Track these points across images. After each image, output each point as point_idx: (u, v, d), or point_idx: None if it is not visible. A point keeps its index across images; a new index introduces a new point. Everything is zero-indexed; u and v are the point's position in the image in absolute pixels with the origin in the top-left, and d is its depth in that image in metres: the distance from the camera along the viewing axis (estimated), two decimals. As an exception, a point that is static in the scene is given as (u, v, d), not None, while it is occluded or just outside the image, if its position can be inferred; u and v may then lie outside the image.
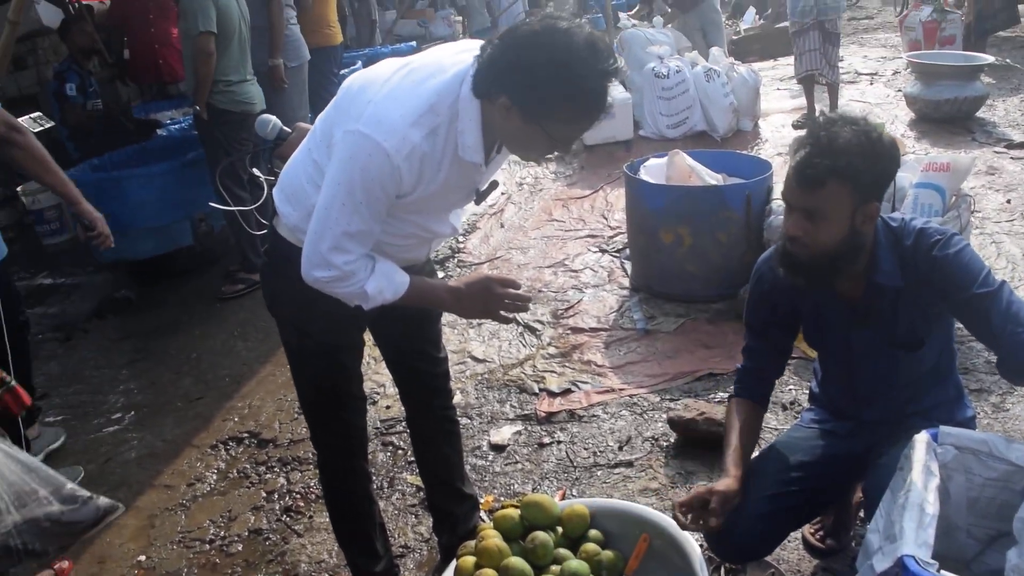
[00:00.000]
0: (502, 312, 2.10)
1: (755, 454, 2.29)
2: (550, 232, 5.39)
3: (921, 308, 2.02)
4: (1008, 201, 5.01)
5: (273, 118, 2.41)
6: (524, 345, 4.00)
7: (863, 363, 2.15)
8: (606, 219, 5.44)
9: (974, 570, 1.83)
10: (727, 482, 2.04)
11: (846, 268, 2.00)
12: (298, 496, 3.14)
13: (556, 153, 1.90)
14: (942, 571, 1.39)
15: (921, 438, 1.73)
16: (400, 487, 3.12)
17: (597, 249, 5.00)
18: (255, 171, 2.49)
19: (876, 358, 2.12)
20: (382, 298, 1.95)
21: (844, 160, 1.85)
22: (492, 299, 2.06)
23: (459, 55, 1.89)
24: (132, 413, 3.95)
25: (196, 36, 4.55)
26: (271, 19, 5.23)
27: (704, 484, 2.06)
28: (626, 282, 4.49)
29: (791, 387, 3.34)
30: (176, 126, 6.20)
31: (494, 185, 2.11)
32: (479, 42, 1.89)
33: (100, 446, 3.69)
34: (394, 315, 2.18)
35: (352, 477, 2.37)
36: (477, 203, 2.10)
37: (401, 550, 2.79)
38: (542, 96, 1.73)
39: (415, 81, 1.84)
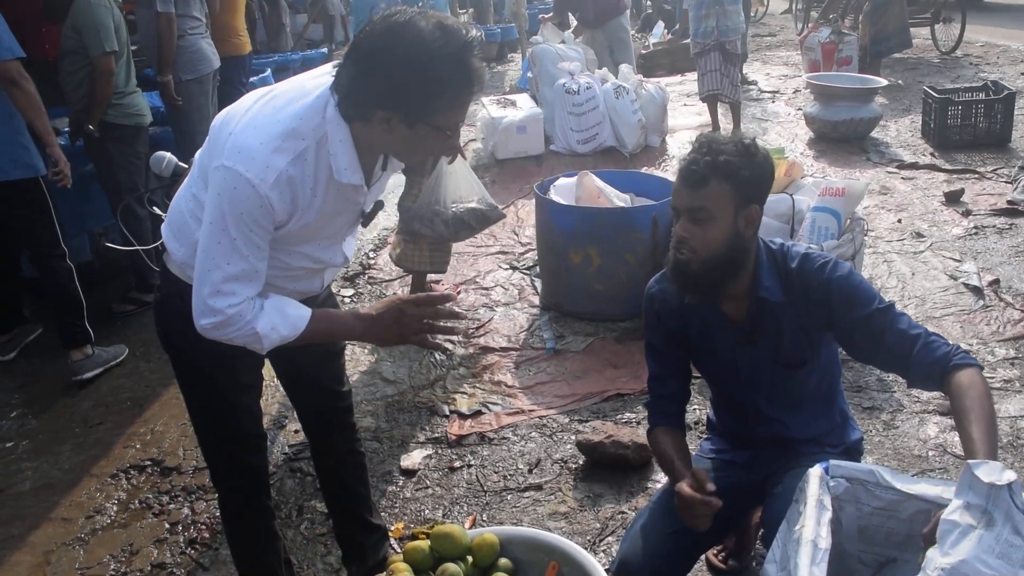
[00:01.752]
0: (426, 336, 1.95)
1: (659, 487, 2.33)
2: (461, 248, 5.39)
3: (804, 327, 2.10)
4: (899, 221, 5.26)
5: (168, 155, 2.35)
6: (435, 365, 4.00)
7: (749, 383, 2.21)
8: (517, 235, 5.49)
9: (865, 594, 1.92)
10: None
11: (732, 278, 2.05)
12: (203, 527, 3.06)
13: (451, 144, 1.84)
14: (832, 607, 1.45)
15: (815, 472, 1.80)
16: (309, 515, 3.07)
17: (508, 266, 5.04)
18: (155, 209, 2.43)
19: (761, 377, 2.19)
20: (278, 336, 1.85)
21: (723, 158, 1.94)
22: (406, 322, 1.93)
23: (321, 77, 1.82)
24: (26, 441, 3.78)
25: (99, 56, 4.31)
26: (159, 34, 5.03)
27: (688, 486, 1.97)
28: (536, 300, 4.54)
29: (695, 407, 3.43)
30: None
31: (380, 206, 2.04)
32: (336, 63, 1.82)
33: (-10, 477, 3.54)
34: (293, 351, 2.14)
35: (254, 516, 2.32)
36: (364, 225, 2.04)
37: (310, 581, 2.76)
38: (416, 96, 1.67)
39: (275, 107, 1.77)
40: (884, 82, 7.32)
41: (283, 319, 1.85)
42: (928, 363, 1.90)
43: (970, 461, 1.59)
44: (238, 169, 1.70)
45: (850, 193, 3.90)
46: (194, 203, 1.88)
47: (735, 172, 1.95)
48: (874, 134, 7.01)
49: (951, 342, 1.92)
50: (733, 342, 2.18)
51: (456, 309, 2.04)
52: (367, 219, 2.03)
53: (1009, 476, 1.54)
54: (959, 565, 1.52)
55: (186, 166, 2.32)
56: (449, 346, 1.96)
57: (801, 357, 2.15)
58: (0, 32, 3.73)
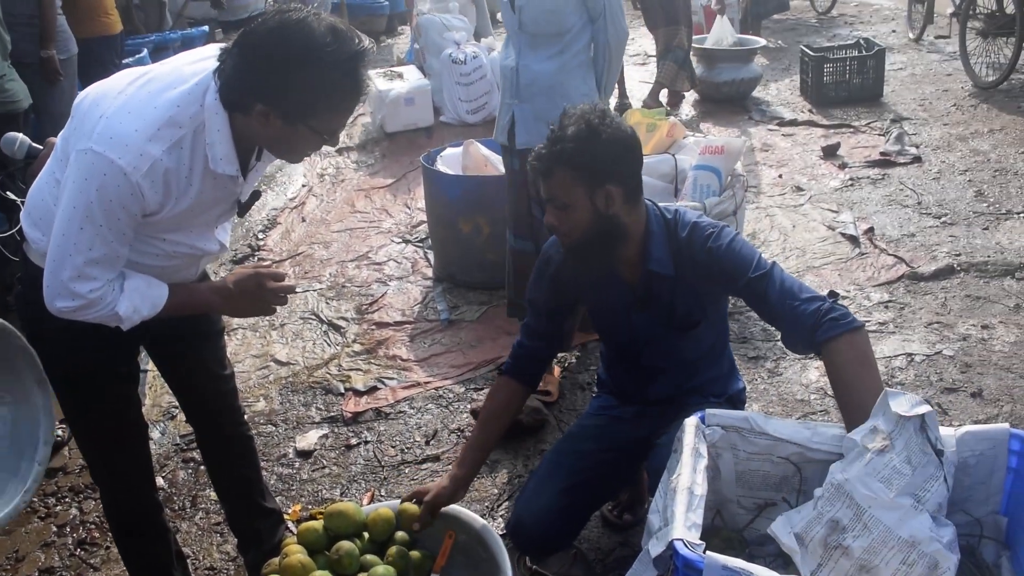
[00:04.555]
0: (275, 306, 2.04)
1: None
2: (353, 224, 5.33)
3: (696, 293, 2.14)
4: (780, 176, 5.43)
5: (20, 136, 2.24)
6: (329, 344, 3.95)
7: (645, 344, 2.26)
8: (409, 208, 5.44)
9: (747, 537, 1.98)
10: (440, 486, 2.13)
11: (614, 250, 2.08)
12: (92, 527, 2.96)
13: (324, 146, 1.87)
14: (708, 552, 1.50)
15: (691, 422, 1.85)
16: (203, 505, 3.00)
17: (400, 240, 4.99)
18: (8, 193, 2.30)
19: (656, 339, 2.24)
20: (139, 316, 1.83)
21: (560, 147, 1.95)
22: (266, 294, 1.98)
23: (200, 63, 1.79)
24: None
25: None
26: (41, 6, 4.80)
27: (422, 486, 2.17)
28: (430, 272, 4.52)
29: (592, 367, 3.48)
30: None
31: (256, 195, 2.03)
32: (218, 47, 1.79)
33: None
34: (172, 335, 2.08)
35: (141, 510, 2.23)
36: (240, 215, 2.03)
37: (207, 572, 2.70)
38: (298, 96, 1.68)
39: (152, 92, 1.73)
40: (763, 42, 7.51)
41: (143, 299, 1.84)
42: (798, 335, 1.91)
43: (888, 390, 1.65)
44: (110, 156, 1.65)
45: (729, 150, 3.99)
46: (58, 189, 1.79)
47: (573, 158, 1.95)
48: (756, 93, 7.19)
49: (823, 298, 1.90)
50: (628, 305, 2.21)
51: (293, 287, 2.17)
52: (243, 209, 2.00)
53: (921, 409, 1.61)
54: (843, 483, 1.60)
55: (40, 147, 2.21)
56: (326, 316, 2.07)
57: (694, 320, 2.19)
58: None
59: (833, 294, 1.94)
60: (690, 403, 2.17)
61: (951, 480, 1.61)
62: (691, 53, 6.77)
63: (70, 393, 2.09)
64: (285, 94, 1.67)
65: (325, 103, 1.72)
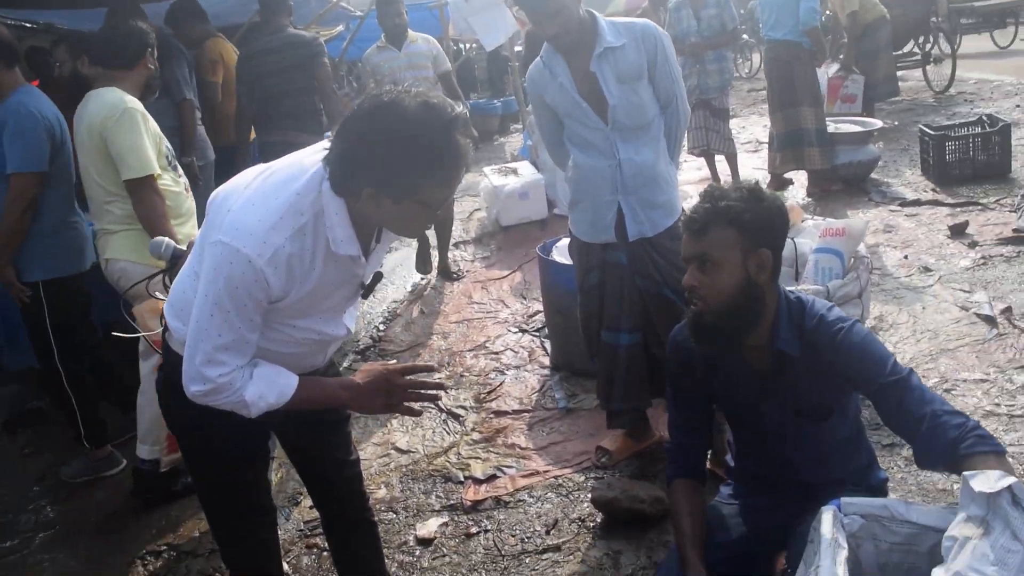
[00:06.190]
0: (407, 404, 2.03)
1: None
2: (470, 315, 5.42)
3: (826, 380, 2.06)
4: (905, 257, 5.24)
5: (165, 239, 2.40)
6: (448, 432, 3.98)
7: (774, 433, 2.19)
8: (525, 299, 5.50)
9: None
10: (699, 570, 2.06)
11: (748, 327, 2.04)
12: (220, 610, 3.02)
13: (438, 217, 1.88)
14: (852, 646, 1.41)
15: (827, 511, 1.77)
16: (327, 592, 3.03)
17: (517, 329, 5.04)
18: (157, 294, 2.46)
19: (786, 428, 2.16)
20: (266, 403, 1.88)
21: (724, 204, 1.95)
22: (393, 391, 1.99)
23: (318, 153, 1.85)
24: (44, 532, 3.76)
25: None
26: (183, 119, 5.23)
27: None
28: (547, 361, 4.53)
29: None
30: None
31: (379, 276, 2.08)
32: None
33: (10, 571, 3.50)
34: (299, 421, 2.14)
35: None
36: (364, 297, 2.07)
37: (329, 659, 2.70)
38: (401, 174, 1.70)
39: (274, 184, 1.81)
40: (880, 124, 7.38)
41: (270, 387, 1.89)
42: (937, 447, 1.81)
43: (965, 473, 1.57)
44: (235, 245, 1.73)
45: (851, 232, 3.90)
46: (196, 281, 1.90)
47: (737, 216, 1.95)
48: (874, 175, 7.03)
49: (967, 416, 1.81)
50: (757, 393, 2.16)
51: (440, 384, 2.14)
52: (367, 291, 2.05)
53: (1005, 482, 1.52)
54: None
55: (184, 248, 2.36)
56: (416, 407, 2.08)
57: (825, 409, 2.11)
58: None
59: None
60: (828, 494, 2.07)
61: None
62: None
63: (203, 474, 2.18)
64: (387, 174, 1.70)
65: (427, 176, 1.72)
